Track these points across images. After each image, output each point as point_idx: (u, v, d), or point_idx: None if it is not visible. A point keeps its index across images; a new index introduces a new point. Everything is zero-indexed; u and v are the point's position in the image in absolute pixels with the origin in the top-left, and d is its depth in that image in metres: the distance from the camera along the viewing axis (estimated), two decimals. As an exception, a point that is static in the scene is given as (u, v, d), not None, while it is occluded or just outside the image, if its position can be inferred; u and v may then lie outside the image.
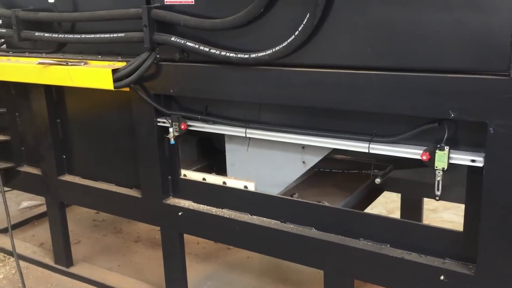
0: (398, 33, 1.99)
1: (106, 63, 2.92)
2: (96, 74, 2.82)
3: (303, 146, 2.62)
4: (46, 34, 3.12)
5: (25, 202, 5.26)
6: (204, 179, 2.93)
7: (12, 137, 3.76)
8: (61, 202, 3.63)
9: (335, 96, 2.20)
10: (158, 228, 4.38)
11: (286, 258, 2.65)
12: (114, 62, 2.89)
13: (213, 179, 2.91)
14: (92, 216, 4.82)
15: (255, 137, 2.60)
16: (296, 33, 2.17)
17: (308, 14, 2.11)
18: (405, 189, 3.39)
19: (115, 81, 2.77)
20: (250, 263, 3.83)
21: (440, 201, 3.64)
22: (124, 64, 2.80)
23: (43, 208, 4.99)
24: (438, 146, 2.04)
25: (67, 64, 2.96)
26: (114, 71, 2.77)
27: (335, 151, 2.56)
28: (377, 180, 2.68)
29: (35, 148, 3.61)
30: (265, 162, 2.77)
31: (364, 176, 3.17)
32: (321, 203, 2.64)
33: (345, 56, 2.15)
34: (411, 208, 3.53)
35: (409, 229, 2.29)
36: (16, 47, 3.54)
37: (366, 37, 2.08)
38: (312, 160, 2.66)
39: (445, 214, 4.58)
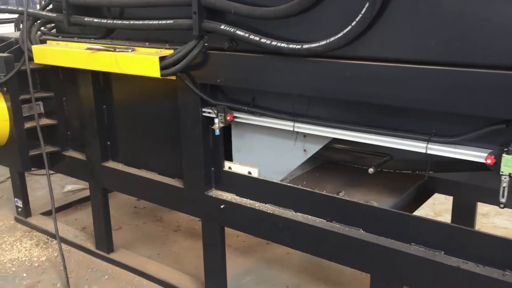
0: (467, 25, 1.84)
1: (154, 50, 2.87)
2: (143, 61, 2.78)
3: (305, 135, 2.61)
4: (95, 20, 3.10)
5: (69, 186, 5.35)
6: None
7: (58, 122, 3.80)
8: (104, 188, 3.63)
9: (391, 91, 2.06)
10: (198, 218, 4.41)
11: (331, 259, 2.55)
12: (162, 50, 2.84)
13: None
14: (133, 203, 4.85)
15: (303, 132, 2.50)
16: (353, 23, 2.05)
17: (367, 3, 1.98)
18: (457, 192, 3.21)
19: (162, 69, 2.72)
20: (290, 259, 3.75)
21: (490, 205, 3.46)
22: (171, 51, 2.75)
23: (87, 192, 5.05)
24: (506, 149, 1.88)
25: (114, 50, 2.93)
26: (161, 58, 2.72)
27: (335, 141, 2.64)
28: (371, 170, 2.63)
29: (81, 134, 3.63)
30: (268, 149, 2.78)
31: (413, 176, 3.02)
32: (369, 204, 2.52)
33: (405, 49, 2.01)
34: (463, 212, 3.35)
35: (466, 236, 2.14)
36: (65, 32, 3.55)
37: (430, 29, 1.93)
38: (313, 148, 2.65)
39: (497, 219, 4.35)
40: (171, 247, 4.00)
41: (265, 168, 2.82)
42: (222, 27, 2.46)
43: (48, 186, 3.53)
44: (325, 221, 2.53)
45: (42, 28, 3.67)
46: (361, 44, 2.10)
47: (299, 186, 2.70)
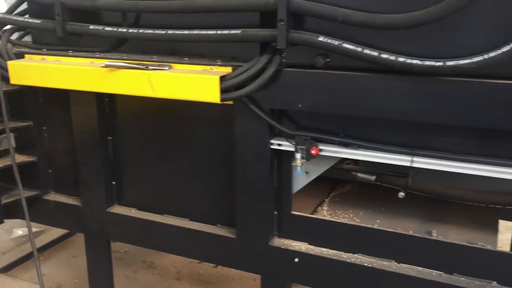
0: None
1: (200, 67, 2.26)
2: (195, 83, 2.16)
3: None
4: (108, 29, 2.40)
5: (19, 230, 4.40)
6: None
7: (38, 158, 2.97)
8: (107, 240, 2.89)
9: None
10: (199, 261, 3.75)
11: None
12: (213, 67, 2.23)
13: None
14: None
15: (422, 167, 2.03)
16: (530, 34, 1.64)
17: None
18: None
19: (222, 92, 2.13)
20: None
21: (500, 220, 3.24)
22: (226, 69, 2.17)
23: (46, 238, 4.17)
24: None
25: (147, 68, 2.27)
26: (222, 79, 2.12)
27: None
28: (401, 194, 2.29)
29: (73, 172, 2.85)
30: None
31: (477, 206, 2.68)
32: (478, 246, 2.13)
33: None
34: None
35: None
36: (46, 43, 2.76)
37: None
38: (317, 170, 2.31)
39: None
40: (183, 302, 3.33)
41: None
42: (321, 39, 1.92)
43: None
44: (443, 273, 2.09)
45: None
46: (526, 60, 1.70)
47: (394, 230, 2.24)
